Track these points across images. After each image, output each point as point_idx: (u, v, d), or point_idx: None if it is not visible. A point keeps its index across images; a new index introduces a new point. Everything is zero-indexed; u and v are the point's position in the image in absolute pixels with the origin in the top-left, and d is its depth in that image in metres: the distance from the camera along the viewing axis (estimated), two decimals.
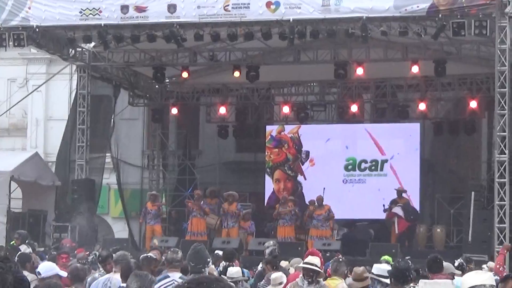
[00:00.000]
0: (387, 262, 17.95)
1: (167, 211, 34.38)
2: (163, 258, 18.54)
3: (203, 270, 13.76)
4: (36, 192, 34.85)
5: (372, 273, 14.54)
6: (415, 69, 31.26)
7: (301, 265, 15.24)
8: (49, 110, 39.57)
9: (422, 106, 33.61)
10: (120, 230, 34.98)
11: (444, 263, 15.29)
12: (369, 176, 33.89)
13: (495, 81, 27.49)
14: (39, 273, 13.95)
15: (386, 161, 33.62)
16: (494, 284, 8.73)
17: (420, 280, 9.18)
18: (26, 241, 21.73)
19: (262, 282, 16.96)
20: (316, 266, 14.42)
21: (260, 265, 20.72)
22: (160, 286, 11.83)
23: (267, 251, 21.25)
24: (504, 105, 26.93)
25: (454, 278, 14.61)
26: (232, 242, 28.00)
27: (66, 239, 27.33)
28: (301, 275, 14.41)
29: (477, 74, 32.10)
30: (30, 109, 39.27)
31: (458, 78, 32.69)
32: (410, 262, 15.06)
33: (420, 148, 33.64)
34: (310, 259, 15.27)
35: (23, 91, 37.18)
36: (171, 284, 12.12)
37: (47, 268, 14.64)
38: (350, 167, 34.14)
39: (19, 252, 17.84)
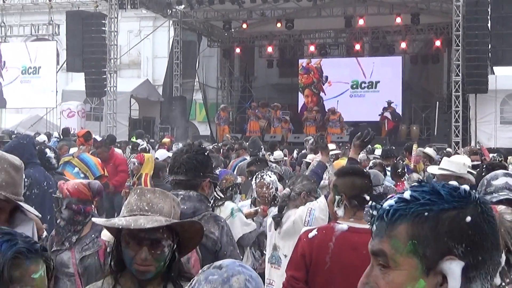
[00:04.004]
0: (378, 148, 19.41)
1: (233, 117, 34.21)
2: (235, 146, 18.39)
3: (258, 153, 13.63)
4: (147, 105, 34.94)
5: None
6: (398, 20, 30.99)
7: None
8: (155, 51, 39.51)
9: (403, 45, 33.38)
10: (203, 130, 34.99)
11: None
12: (367, 92, 33.78)
13: (452, 27, 27.55)
14: (157, 158, 13.97)
15: (378, 82, 33.48)
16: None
17: (444, 158, 8.77)
18: (142, 137, 21.58)
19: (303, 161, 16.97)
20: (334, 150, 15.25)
21: (295, 151, 20.60)
22: (238, 163, 11.56)
23: (309, 142, 20.98)
24: (458, 43, 27.18)
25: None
26: (277, 137, 27.98)
27: (168, 135, 27.17)
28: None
29: (440, 22, 31.76)
30: (143, 50, 39.14)
31: (427, 25, 32.35)
32: (393, 147, 16.07)
33: (402, 73, 33.44)
34: (329, 146, 15.61)
35: (137, 39, 36.96)
36: (245, 160, 11.95)
37: (162, 154, 14.83)
38: (354, 86, 34.05)
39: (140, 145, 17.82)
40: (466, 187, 1.80)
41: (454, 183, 1.85)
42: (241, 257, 6.74)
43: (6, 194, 3.24)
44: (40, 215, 3.79)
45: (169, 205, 3.51)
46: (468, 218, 1.72)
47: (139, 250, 3.41)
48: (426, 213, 1.75)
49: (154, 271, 3.46)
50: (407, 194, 1.81)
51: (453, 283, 1.72)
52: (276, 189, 8.46)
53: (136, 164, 12.84)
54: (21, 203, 3.35)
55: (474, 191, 1.81)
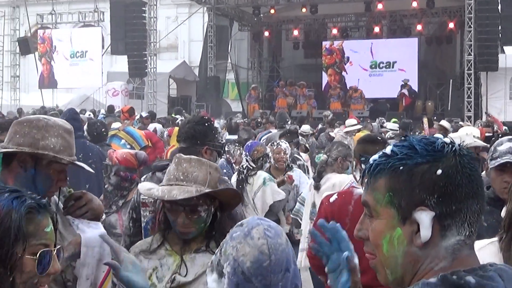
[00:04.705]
0: (395, 122, 18.86)
1: (263, 95, 34.19)
2: (263, 121, 18.43)
3: (284, 126, 13.61)
4: (184, 85, 35.03)
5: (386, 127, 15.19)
6: (414, 4, 30.49)
7: (348, 128, 15.42)
8: (190, 35, 39.44)
9: (419, 27, 32.86)
10: (235, 107, 34.94)
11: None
12: (385, 72, 33.36)
13: (465, 10, 27.49)
14: None
15: (395, 62, 33.09)
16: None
17: (449, 135, 8.80)
18: (180, 113, 21.64)
19: (322, 134, 16.97)
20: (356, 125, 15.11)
21: (320, 125, 20.56)
22: (264, 135, 11.59)
23: (329, 117, 20.98)
24: (470, 25, 27.13)
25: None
26: (303, 112, 28.02)
27: (203, 112, 27.24)
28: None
29: (454, 6, 31.35)
30: (180, 35, 39.13)
31: (441, 9, 31.86)
32: (411, 121, 15.82)
33: (418, 54, 33.06)
34: (351, 121, 15.58)
35: (174, 24, 36.94)
36: (270, 132, 11.94)
37: None
38: (373, 66, 33.69)
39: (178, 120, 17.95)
40: (443, 140, 1.81)
41: (439, 135, 1.87)
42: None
43: (66, 157, 3.30)
44: (93, 171, 3.87)
45: (204, 172, 3.53)
46: (439, 171, 1.73)
47: (178, 215, 3.49)
48: (401, 167, 1.77)
49: (195, 232, 3.52)
50: (388, 149, 1.84)
51: (424, 231, 1.74)
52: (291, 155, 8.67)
53: (165, 136, 12.95)
54: (78, 163, 3.40)
55: (452, 144, 1.80)
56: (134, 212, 4.78)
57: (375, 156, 1.86)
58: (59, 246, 2.19)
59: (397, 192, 1.77)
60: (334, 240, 2.20)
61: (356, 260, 2.20)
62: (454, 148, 1.78)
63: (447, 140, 1.81)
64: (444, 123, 15.28)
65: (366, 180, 1.88)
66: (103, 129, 9.26)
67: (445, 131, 14.36)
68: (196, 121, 5.18)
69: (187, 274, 3.51)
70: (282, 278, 2.47)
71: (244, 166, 8.01)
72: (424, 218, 1.73)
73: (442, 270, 1.74)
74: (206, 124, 5.12)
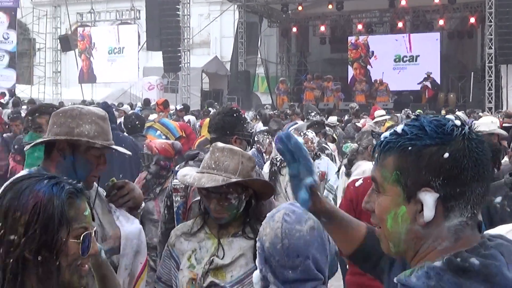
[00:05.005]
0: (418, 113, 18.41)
1: (291, 88, 34.13)
2: (289, 112, 18.43)
3: (308, 117, 13.61)
4: (216, 79, 35.11)
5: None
6: (436, 0, 30.27)
7: (378, 119, 15.43)
8: (222, 31, 39.48)
9: (441, 22, 32.63)
10: (264, 99, 34.92)
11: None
12: (408, 65, 33.15)
13: (485, 5, 27.37)
14: None
15: (418, 56, 32.89)
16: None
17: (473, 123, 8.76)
18: (213, 106, 21.70)
19: (348, 124, 16.96)
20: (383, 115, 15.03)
21: (346, 116, 20.53)
22: (291, 126, 11.58)
23: (355, 109, 20.92)
24: (491, 20, 27.00)
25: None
26: (330, 105, 27.93)
27: (234, 104, 27.27)
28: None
29: (475, 1, 31.00)
30: (212, 31, 39.13)
31: (463, 4, 31.57)
32: (434, 112, 15.49)
33: (440, 48, 32.74)
34: (379, 112, 15.61)
35: (207, 21, 37.03)
36: (297, 124, 11.88)
37: None
38: (397, 59, 33.47)
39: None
40: (453, 122, 1.77)
41: (451, 117, 1.84)
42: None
43: (102, 142, 3.32)
44: (130, 153, 3.89)
45: (236, 161, 3.54)
46: (446, 154, 1.70)
47: (210, 201, 3.53)
48: (410, 148, 1.75)
49: (228, 217, 3.55)
50: (399, 128, 1.81)
51: (427, 211, 1.73)
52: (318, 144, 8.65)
53: (197, 127, 13.03)
54: (115, 147, 3.42)
55: (462, 127, 1.77)
56: (168, 199, 4.84)
57: (386, 134, 1.84)
58: (94, 228, 2.20)
59: (404, 171, 1.75)
60: (295, 153, 2.16)
61: (310, 179, 2.15)
62: (463, 132, 1.75)
63: (457, 122, 1.77)
64: (459, 114, 15.25)
65: (376, 156, 1.86)
66: (137, 122, 9.32)
67: None
68: (225, 112, 5.21)
69: (225, 256, 3.54)
70: (300, 264, 2.50)
71: (277, 158, 8.01)
72: (428, 199, 1.72)
73: (445, 250, 1.74)
74: (235, 115, 5.14)
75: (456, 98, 30.71)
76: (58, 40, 36.07)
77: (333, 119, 16.38)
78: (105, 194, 3.58)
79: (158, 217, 5.96)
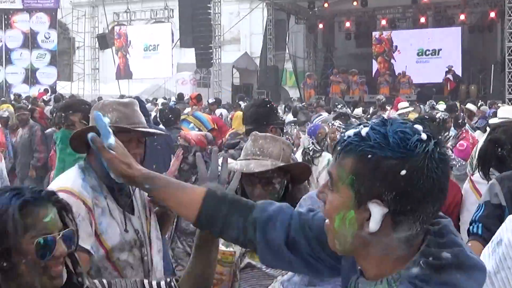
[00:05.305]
0: (441, 104, 18.69)
1: (318, 82, 34.00)
2: (314, 104, 18.39)
3: (335, 109, 13.63)
4: (246, 74, 35.15)
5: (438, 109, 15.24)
6: None
7: (401, 110, 15.39)
8: (251, 28, 39.42)
9: (462, 17, 32.28)
10: (292, 93, 34.91)
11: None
12: (431, 58, 32.93)
13: (505, 0, 27.25)
14: None
15: (440, 49, 32.67)
16: None
17: (499, 109, 8.67)
18: (243, 99, 21.69)
19: (374, 116, 16.89)
20: (407, 107, 15.01)
21: (372, 108, 20.44)
22: (316, 118, 11.52)
23: (382, 101, 20.83)
24: (510, 14, 26.92)
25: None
26: (355, 97, 27.95)
27: (264, 97, 27.24)
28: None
29: None
30: (242, 28, 39.07)
31: None
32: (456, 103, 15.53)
33: (461, 42, 32.50)
34: (403, 104, 15.59)
35: (237, 19, 37.00)
36: (322, 117, 11.81)
37: None
38: (420, 53, 33.24)
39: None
40: (419, 137, 1.63)
41: (418, 128, 1.68)
42: None
43: (123, 125, 3.26)
44: (160, 132, 3.90)
45: (278, 148, 3.55)
46: (403, 172, 1.59)
47: (254, 187, 3.51)
48: (369, 156, 1.63)
49: None
50: (364, 131, 1.68)
51: (373, 223, 1.64)
52: None
53: (228, 119, 13.06)
54: (139, 129, 3.34)
55: (427, 143, 1.64)
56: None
57: (350, 132, 1.71)
58: (67, 229, 2.18)
59: (360, 178, 1.65)
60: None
61: (107, 142, 2.16)
62: (427, 149, 1.62)
63: (423, 136, 1.64)
64: (470, 106, 15.15)
65: (336, 152, 1.75)
66: (170, 115, 9.46)
67: (470, 113, 14.34)
68: (258, 104, 5.23)
69: None
70: None
71: (310, 148, 7.99)
72: (376, 211, 1.63)
73: (403, 258, 1.68)
74: (268, 106, 5.16)
75: (477, 90, 30.45)
76: (96, 39, 36.33)
77: (358, 111, 16.34)
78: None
79: None
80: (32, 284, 2.14)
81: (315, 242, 2.00)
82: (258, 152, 3.55)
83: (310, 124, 9.88)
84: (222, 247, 3.28)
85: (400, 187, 1.61)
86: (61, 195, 2.92)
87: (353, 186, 1.67)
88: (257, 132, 3.70)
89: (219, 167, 2.43)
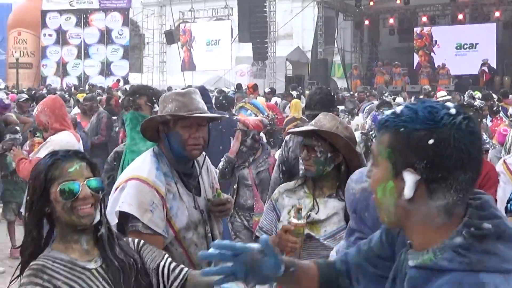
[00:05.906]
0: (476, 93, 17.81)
1: (364, 73, 33.76)
2: (367, 93, 18.22)
3: (382, 97, 13.65)
4: (298, 66, 35.03)
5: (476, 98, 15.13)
6: None
7: (440, 99, 15.18)
8: (303, 25, 38.93)
9: (497, 14, 31.54)
10: (340, 84, 34.51)
11: None
12: (468, 52, 32.18)
13: None
14: None
15: (477, 43, 31.91)
16: None
17: None
18: (296, 89, 21.43)
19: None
20: (445, 96, 14.87)
21: (413, 97, 20.20)
22: (366, 106, 11.49)
23: (428, 89, 20.61)
24: None
25: None
26: (397, 88, 27.97)
27: (325, 87, 27.16)
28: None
29: None
30: (294, 24, 38.71)
31: None
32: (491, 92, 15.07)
33: (496, 36, 31.76)
34: (441, 93, 15.31)
35: (290, 16, 36.78)
36: (372, 104, 11.75)
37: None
38: (458, 47, 32.52)
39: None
40: (447, 111, 1.65)
41: (449, 103, 1.71)
42: None
43: (181, 113, 3.31)
44: (219, 116, 4.04)
45: (332, 124, 3.65)
46: (431, 141, 1.61)
47: (303, 150, 3.72)
48: (402, 129, 1.67)
49: (315, 172, 3.65)
50: (399, 109, 1.72)
51: (407, 190, 1.66)
52: None
53: (281, 106, 13.07)
54: (197, 115, 3.34)
55: (455, 116, 1.64)
56: (283, 165, 5.06)
57: (388, 112, 1.76)
58: (93, 178, 2.45)
59: (395, 150, 1.69)
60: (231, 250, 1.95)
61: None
62: (454, 121, 1.63)
63: (452, 111, 1.65)
64: None
65: (377, 130, 1.80)
66: (224, 101, 10.01)
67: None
68: (325, 92, 5.35)
69: (320, 213, 3.60)
70: (352, 215, 2.79)
71: (371, 132, 8.03)
72: (409, 179, 1.66)
73: (444, 227, 1.68)
74: (332, 94, 5.34)
75: (510, 81, 29.78)
76: (164, 35, 36.68)
77: (400, 99, 16.17)
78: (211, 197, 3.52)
79: (253, 182, 6.07)
80: (68, 222, 2.43)
81: (366, 258, 2.11)
82: (312, 124, 3.71)
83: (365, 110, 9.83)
84: (294, 220, 3.34)
85: (430, 156, 1.63)
86: (137, 183, 3.06)
87: (390, 158, 1.70)
88: (327, 113, 3.81)
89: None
